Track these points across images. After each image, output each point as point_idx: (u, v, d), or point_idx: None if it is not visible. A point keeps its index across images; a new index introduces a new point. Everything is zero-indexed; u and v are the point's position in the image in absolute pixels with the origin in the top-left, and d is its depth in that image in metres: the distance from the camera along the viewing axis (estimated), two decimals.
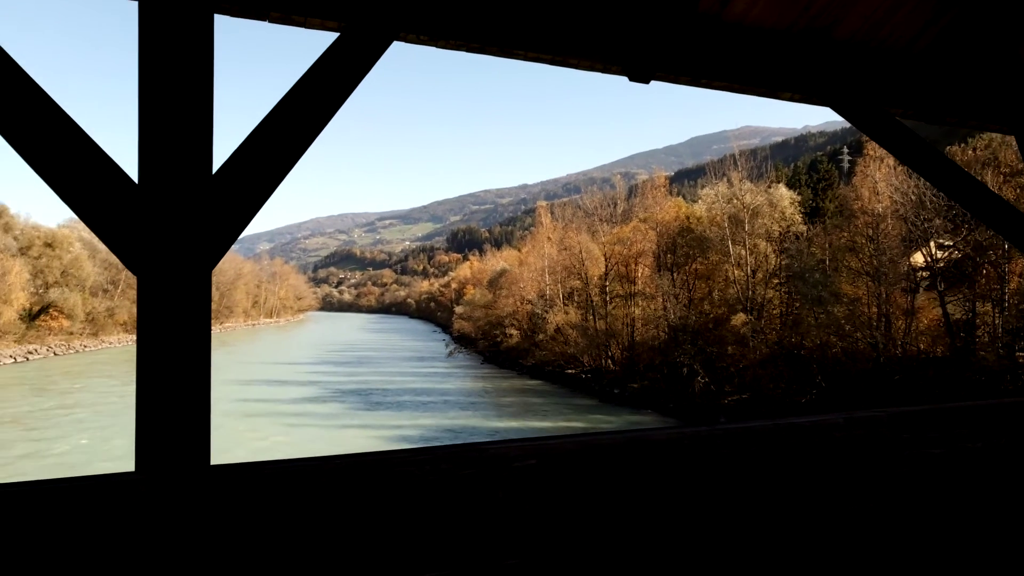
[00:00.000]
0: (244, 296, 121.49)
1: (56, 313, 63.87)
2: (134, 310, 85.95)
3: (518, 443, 1.94)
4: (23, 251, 63.36)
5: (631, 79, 2.62)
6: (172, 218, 1.69)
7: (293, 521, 1.60)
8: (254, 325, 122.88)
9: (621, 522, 1.94)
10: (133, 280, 78.45)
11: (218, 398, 33.00)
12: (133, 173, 1.73)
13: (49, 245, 66.47)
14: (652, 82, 2.70)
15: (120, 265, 77.59)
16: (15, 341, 57.05)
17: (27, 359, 54.65)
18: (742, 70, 2.85)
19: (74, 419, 29.54)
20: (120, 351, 63.14)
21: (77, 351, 62.37)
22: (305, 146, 1.88)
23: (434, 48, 2.58)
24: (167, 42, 1.71)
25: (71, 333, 65.05)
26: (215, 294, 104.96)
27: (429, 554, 1.71)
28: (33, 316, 61.68)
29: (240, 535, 1.56)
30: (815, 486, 2.19)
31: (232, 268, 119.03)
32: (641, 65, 2.61)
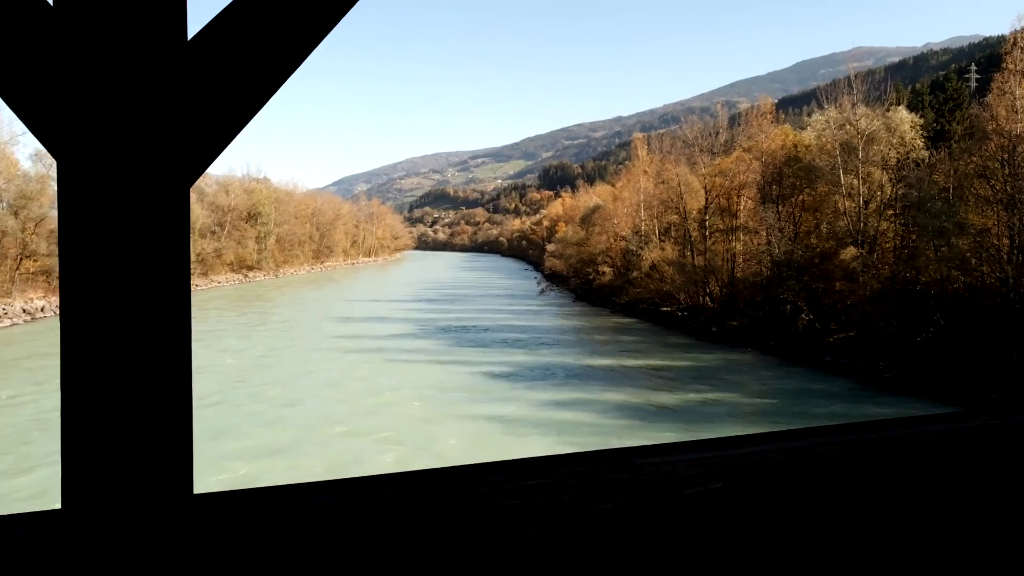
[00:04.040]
0: (343, 236, 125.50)
1: None
2: (241, 251, 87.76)
3: (687, 453, 1.25)
4: None
5: None
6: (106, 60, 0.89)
7: None
8: (353, 264, 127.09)
9: None
10: (240, 221, 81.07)
11: (325, 335, 34.30)
12: None
13: None
14: None
15: (227, 206, 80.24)
16: None
17: None
18: None
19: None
20: (230, 289, 66.69)
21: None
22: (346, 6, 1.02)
23: None
24: None
25: None
26: (315, 234, 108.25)
27: None
28: None
29: None
30: None
31: (331, 209, 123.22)
32: None
